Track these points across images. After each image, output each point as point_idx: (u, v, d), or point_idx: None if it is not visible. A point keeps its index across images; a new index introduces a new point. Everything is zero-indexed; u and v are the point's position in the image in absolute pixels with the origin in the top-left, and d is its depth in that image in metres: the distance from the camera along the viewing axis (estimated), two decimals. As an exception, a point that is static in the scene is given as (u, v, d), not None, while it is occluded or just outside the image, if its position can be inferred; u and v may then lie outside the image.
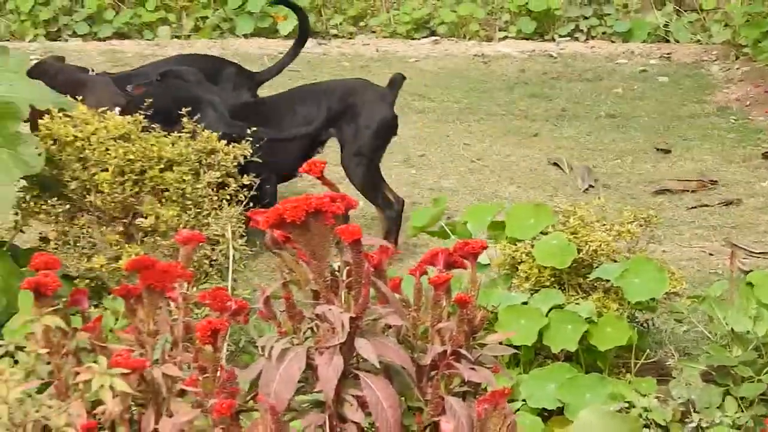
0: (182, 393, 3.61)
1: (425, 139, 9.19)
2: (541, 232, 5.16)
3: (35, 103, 5.25)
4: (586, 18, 12.07)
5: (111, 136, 5.21)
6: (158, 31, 12.19)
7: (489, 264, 5.17)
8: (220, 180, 5.32)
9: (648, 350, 5.24)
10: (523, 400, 4.79)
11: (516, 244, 5.16)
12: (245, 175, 5.56)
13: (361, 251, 3.41)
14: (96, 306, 4.84)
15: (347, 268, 3.46)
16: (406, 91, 10.37)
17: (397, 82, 7.16)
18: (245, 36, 12.26)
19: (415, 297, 3.72)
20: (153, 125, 5.56)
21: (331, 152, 6.96)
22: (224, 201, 5.33)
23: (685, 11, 12.23)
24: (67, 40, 12.01)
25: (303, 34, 8.52)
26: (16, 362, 3.62)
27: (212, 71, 7.80)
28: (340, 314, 3.40)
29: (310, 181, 7.74)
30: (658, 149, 8.94)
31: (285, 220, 3.32)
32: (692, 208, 7.67)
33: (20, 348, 3.58)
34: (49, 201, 5.27)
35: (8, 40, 11.66)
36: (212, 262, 5.25)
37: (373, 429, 3.52)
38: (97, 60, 11.47)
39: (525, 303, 4.98)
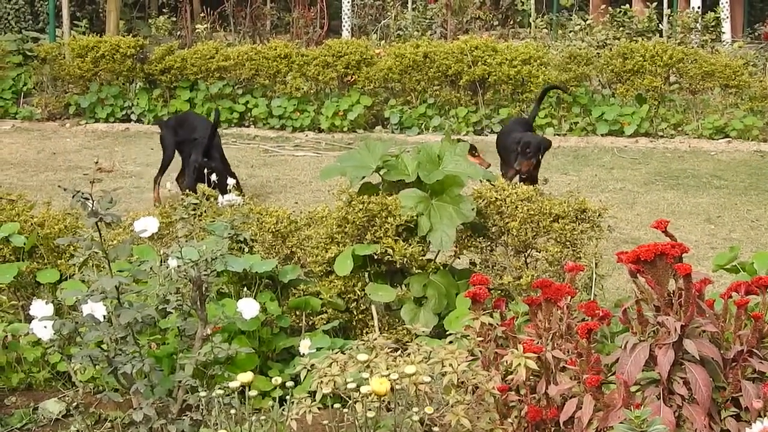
0: (564, 369, 3.59)
1: (720, 206, 8.99)
2: (806, 270, 4.92)
3: (471, 176, 5.29)
4: (830, 129, 11.87)
5: (519, 198, 5.19)
6: (545, 130, 12.19)
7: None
8: (589, 227, 5.21)
9: None
10: (790, 383, 4.57)
11: (787, 278, 4.90)
12: None
13: (690, 281, 3.32)
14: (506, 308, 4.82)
15: (680, 291, 3.40)
16: (707, 173, 10.25)
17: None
18: (602, 135, 12.15)
19: (723, 312, 3.69)
20: None
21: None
22: (591, 241, 5.22)
23: None
24: (486, 135, 12.12)
25: (542, 95, 10.46)
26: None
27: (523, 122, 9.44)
28: (674, 322, 3.37)
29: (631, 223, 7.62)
30: None
31: (640, 258, 3.25)
32: None
33: (464, 336, 3.60)
34: (476, 239, 5.29)
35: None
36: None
37: (692, 398, 3.44)
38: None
39: (794, 318, 4.72)
